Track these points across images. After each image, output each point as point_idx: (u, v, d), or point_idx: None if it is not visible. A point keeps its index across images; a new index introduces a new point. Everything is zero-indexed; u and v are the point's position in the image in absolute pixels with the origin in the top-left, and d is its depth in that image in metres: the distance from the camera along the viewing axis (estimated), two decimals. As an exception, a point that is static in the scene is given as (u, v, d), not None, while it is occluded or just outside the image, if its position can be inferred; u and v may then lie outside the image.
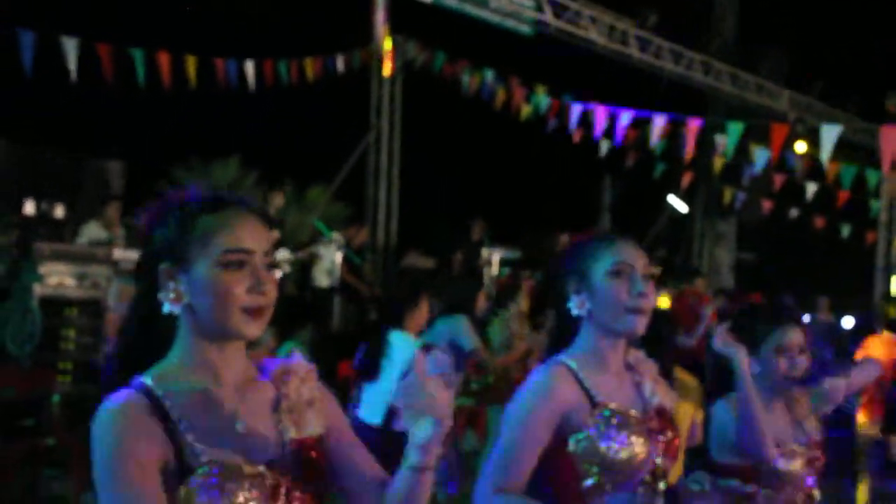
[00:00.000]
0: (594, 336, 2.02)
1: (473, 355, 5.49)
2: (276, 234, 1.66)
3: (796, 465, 2.58)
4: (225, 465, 1.44)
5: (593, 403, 1.95)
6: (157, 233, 1.53)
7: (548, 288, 2.42)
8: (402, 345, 4.32)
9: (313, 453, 1.57)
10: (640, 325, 1.96)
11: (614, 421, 1.92)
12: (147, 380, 1.49)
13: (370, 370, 4.34)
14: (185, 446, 1.44)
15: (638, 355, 2.12)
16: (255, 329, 1.50)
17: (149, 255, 1.55)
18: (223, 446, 1.47)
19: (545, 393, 1.96)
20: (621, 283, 1.97)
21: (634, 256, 2.01)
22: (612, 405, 1.97)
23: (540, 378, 1.99)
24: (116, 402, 1.45)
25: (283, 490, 1.49)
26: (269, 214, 1.62)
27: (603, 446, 1.91)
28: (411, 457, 1.55)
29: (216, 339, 1.52)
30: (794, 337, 2.64)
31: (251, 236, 1.50)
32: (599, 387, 1.98)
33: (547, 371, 2.00)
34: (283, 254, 9.00)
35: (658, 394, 2.06)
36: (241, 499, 1.43)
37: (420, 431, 1.53)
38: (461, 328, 5.49)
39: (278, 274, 1.58)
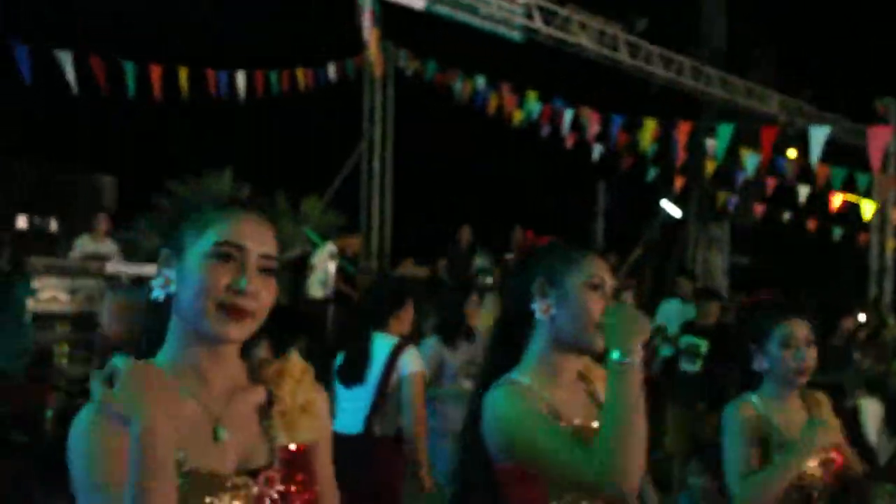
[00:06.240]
0: (549, 345, 1.92)
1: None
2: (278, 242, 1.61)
3: (810, 467, 2.49)
4: (206, 475, 1.38)
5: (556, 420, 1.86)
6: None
7: (504, 287, 2.36)
8: (382, 344, 4.10)
9: (303, 462, 1.49)
10: (603, 343, 1.88)
11: (581, 437, 1.82)
12: None
13: (353, 375, 4.10)
14: None
15: (587, 362, 2.02)
16: (232, 330, 1.40)
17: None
18: (206, 455, 1.40)
19: (522, 398, 1.85)
20: (599, 298, 1.89)
21: (608, 275, 1.94)
22: (577, 421, 1.88)
23: (501, 394, 1.86)
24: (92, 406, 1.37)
25: (268, 501, 1.42)
26: (275, 218, 1.59)
27: None
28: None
29: (202, 341, 1.43)
30: (799, 330, 2.57)
31: (250, 234, 1.44)
32: (558, 403, 1.88)
33: (505, 389, 1.87)
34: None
35: None
36: None
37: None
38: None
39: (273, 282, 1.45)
